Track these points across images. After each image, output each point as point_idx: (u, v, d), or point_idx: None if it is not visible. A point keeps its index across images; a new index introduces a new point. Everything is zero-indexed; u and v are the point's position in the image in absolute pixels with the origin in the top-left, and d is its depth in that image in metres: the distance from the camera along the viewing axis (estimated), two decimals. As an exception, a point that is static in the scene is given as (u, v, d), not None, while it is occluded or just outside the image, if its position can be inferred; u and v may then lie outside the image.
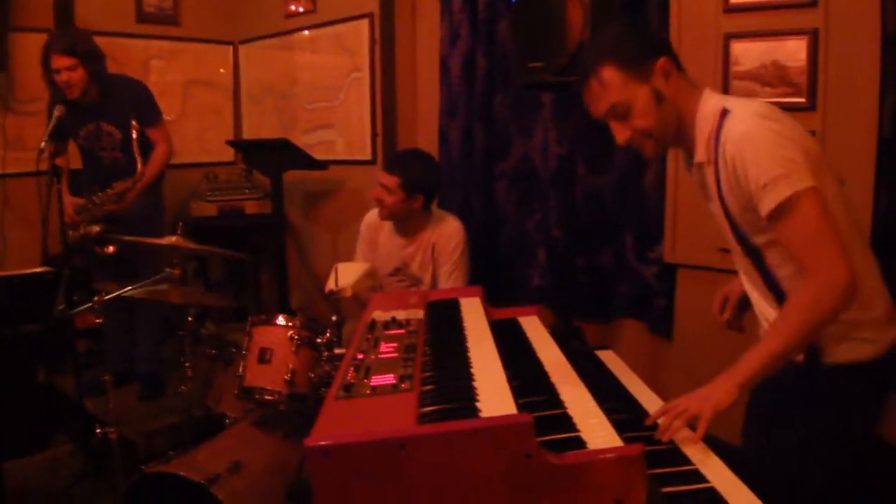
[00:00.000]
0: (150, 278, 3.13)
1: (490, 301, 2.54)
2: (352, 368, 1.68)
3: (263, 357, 2.92)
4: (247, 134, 5.63)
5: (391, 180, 3.41)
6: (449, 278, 3.52)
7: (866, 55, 2.76)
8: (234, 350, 3.16)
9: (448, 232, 3.55)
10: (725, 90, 3.18)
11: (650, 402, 2.07)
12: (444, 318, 2.15)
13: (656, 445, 1.77)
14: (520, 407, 1.56)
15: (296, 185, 5.06)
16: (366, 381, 1.58)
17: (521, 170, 4.03)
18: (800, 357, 1.85)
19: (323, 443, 1.28)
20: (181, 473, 2.52)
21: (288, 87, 5.29)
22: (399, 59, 4.68)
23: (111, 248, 4.12)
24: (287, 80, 5.28)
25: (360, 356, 1.77)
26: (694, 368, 3.37)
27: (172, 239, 3.13)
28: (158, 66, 5.41)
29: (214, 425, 3.12)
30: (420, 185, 3.44)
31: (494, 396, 1.48)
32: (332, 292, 2.60)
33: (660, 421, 1.68)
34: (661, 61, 1.81)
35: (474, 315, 2.18)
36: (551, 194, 3.86)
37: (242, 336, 3.04)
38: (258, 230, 5.15)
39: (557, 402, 1.61)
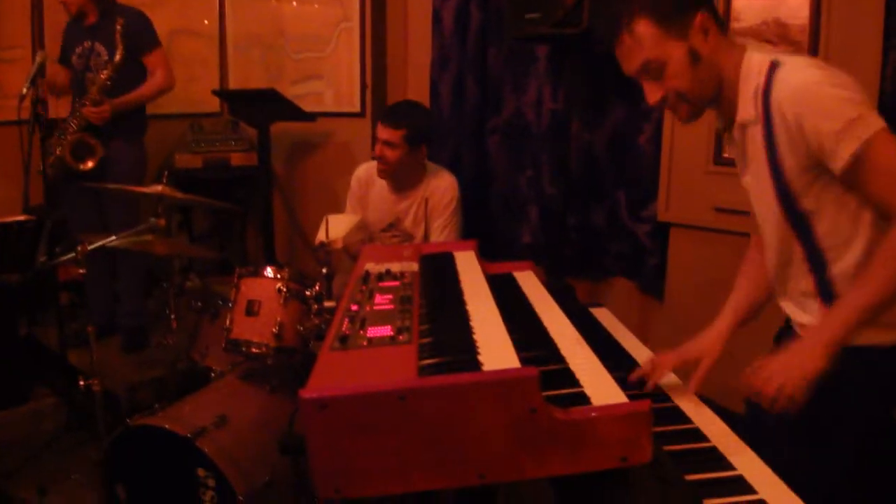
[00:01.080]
0: (131, 229, 3.06)
1: (481, 258, 2.50)
2: (347, 319, 1.63)
3: (251, 309, 2.87)
4: (233, 85, 5.50)
5: (395, 134, 3.33)
6: (441, 233, 3.46)
7: (869, 13, 2.71)
8: (220, 302, 3.10)
9: (443, 186, 3.49)
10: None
11: (645, 358, 2.05)
12: (440, 272, 2.10)
13: (659, 403, 1.75)
14: (522, 361, 1.52)
15: (283, 136, 4.97)
16: (362, 332, 1.53)
17: (514, 125, 3.96)
18: None
19: (319, 395, 1.23)
20: (167, 426, 2.49)
21: (275, 38, 5.17)
22: (390, 9, 4.59)
23: (90, 163, 4.04)
24: (274, 29, 5.16)
25: (354, 307, 1.72)
26: (684, 329, 3.32)
27: (158, 188, 3.06)
28: (143, 11, 5.28)
29: (199, 379, 3.09)
30: (424, 134, 3.38)
31: (496, 350, 1.44)
32: (322, 244, 2.54)
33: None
34: (700, 17, 1.67)
35: (470, 268, 2.14)
36: (544, 150, 3.80)
37: (229, 288, 2.98)
38: (244, 182, 5.07)
39: (559, 357, 1.57)
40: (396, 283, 1.91)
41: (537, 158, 3.85)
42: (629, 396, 1.47)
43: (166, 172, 3.16)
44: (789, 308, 1.89)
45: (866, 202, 1.64)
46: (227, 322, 2.89)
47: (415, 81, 4.46)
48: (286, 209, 5.22)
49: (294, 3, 5.04)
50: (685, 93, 1.71)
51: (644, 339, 3.62)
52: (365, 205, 3.63)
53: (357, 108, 4.69)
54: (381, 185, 3.57)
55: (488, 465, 1.24)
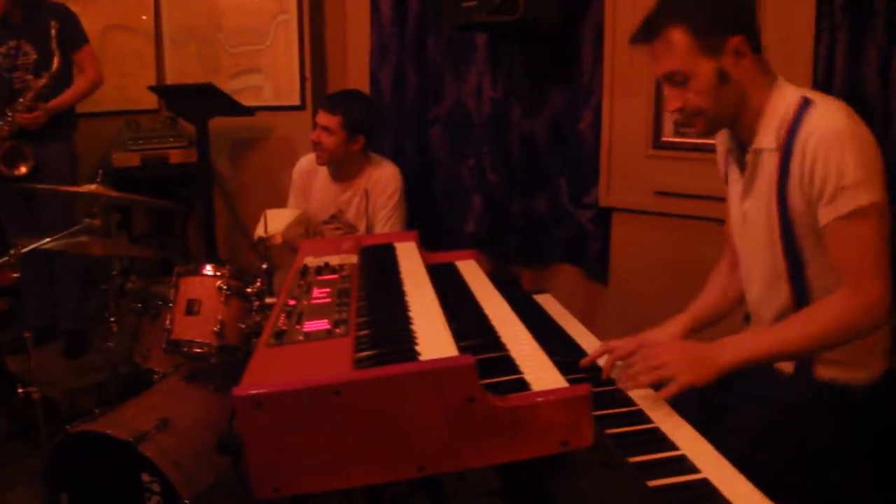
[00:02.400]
0: (65, 231, 2.98)
1: (425, 248, 2.48)
2: (283, 315, 1.60)
3: (191, 309, 2.81)
4: (170, 80, 5.38)
5: (332, 120, 3.30)
6: (385, 225, 3.44)
7: (801, 3, 2.74)
8: (160, 303, 3.04)
9: (385, 177, 3.47)
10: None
11: (589, 343, 2.06)
12: (379, 263, 2.08)
13: (601, 387, 1.75)
14: (461, 349, 1.50)
15: (223, 132, 4.88)
16: (298, 327, 1.51)
17: (455, 114, 3.94)
18: (788, 369, 1.81)
19: (254, 392, 1.21)
20: (108, 432, 2.43)
21: (212, 32, 5.06)
22: (327, 0, 4.53)
23: (24, 169, 3.93)
24: (211, 23, 5.06)
25: (291, 302, 1.69)
26: (629, 312, 3.38)
27: (92, 187, 2.98)
28: (74, 11, 5.13)
29: (142, 382, 3.03)
30: (362, 124, 3.35)
31: (434, 340, 1.42)
32: (260, 239, 2.50)
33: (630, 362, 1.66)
34: (736, 39, 1.68)
35: (410, 259, 2.11)
36: (486, 139, 3.79)
37: (169, 288, 2.92)
38: (184, 180, 4.97)
39: (499, 345, 1.56)
40: (335, 277, 1.88)
41: (479, 147, 3.83)
42: (572, 381, 1.48)
43: (100, 171, 3.07)
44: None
45: None
46: (168, 322, 2.83)
47: (355, 72, 4.41)
48: (228, 206, 5.13)
49: (230, -3, 4.95)
50: (704, 110, 1.73)
51: (590, 323, 3.62)
52: (307, 196, 3.60)
53: (297, 101, 4.63)
54: (323, 177, 3.53)
55: (428, 457, 1.22)
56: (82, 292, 4.36)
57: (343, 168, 3.46)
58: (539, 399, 1.23)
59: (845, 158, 1.60)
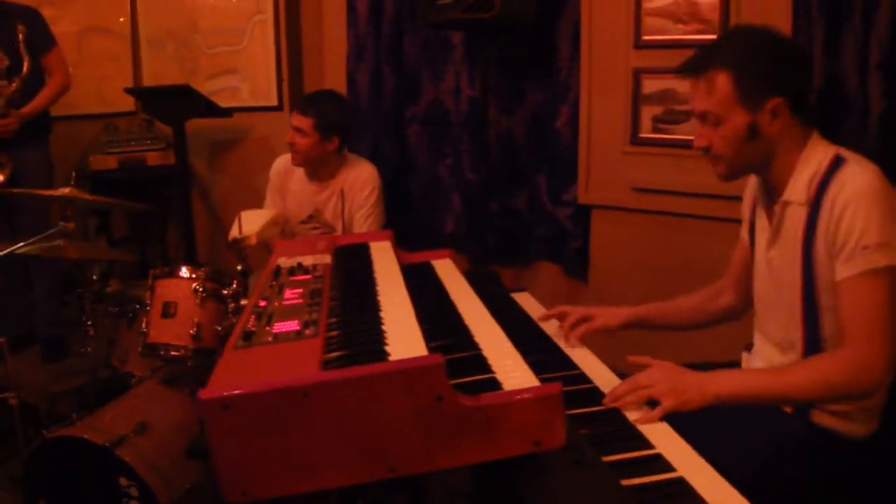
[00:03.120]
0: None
1: (404, 248, 2.46)
2: (253, 316, 1.58)
3: (167, 311, 2.79)
4: (148, 82, 5.34)
5: (305, 122, 3.29)
6: (363, 224, 3.42)
7: (777, 0, 2.75)
8: (137, 306, 3.01)
9: (363, 177, 3.45)
10: (637, 28, 3.14)
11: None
12: (353, 263, 2.06)
13: (574, 385, 1.74)
14: (431, 349, 1.49)
15: (200, 134, 4.84)
16: (268, 328, 1.49)
17: (433, 113, 3.93)
18: (787, 407, 1.81)
19: (219, 395, 1.19)
20: (85, 437, 2.42)
21: (189, 33, 5.02)
22: (304, 0, 4.51)
23: (1, 177, 3.88)
24: (187, 24, 5.01)
25: (262, 303, 1.67)
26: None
27: (65, 190, 2.95)
28: (50, 14, 5.06)
29: (121, 386, 3.00)
30: (335, 125, 3.33)
31: (404, 340, 1.41)
32: (235, 241, 2.48)
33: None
34: (777, 101, 1.69)
35: (385, 259, 2.10)
36: (464, 137, 3.78)
37: (144, 291, 2.89)
38: (162, 182, 4.93)
39: (471, 344, 1.54)
40: (308, 277, 1.86)
41: (457, 146, 3.82)
42: (546, 380, 1.46)
43: (74, 174, 3.04)
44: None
45: None
46: (143, 326, 2.81)
47: (332, 72, 4.39)
48: (206, 207, 5.09)
49: (207, -3, 4.92)
50: (724, 157, 1.75)
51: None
52: (284, 196, 3.58)
53: (274, 101, 4.59)
54: (299, 176, 3.52)
55: (398, 458, 1.21)
56: (60, 297, 4.31)
57: (319, 168, 3.45)
58: (510, 398, 1.22)
59: (870, 218, 1.60)
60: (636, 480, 1.31)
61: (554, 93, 3.49)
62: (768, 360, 1.91)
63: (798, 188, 1.74)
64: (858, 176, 1.65)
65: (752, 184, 1.99)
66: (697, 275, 2.27)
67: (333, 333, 1.46)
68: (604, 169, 3.34)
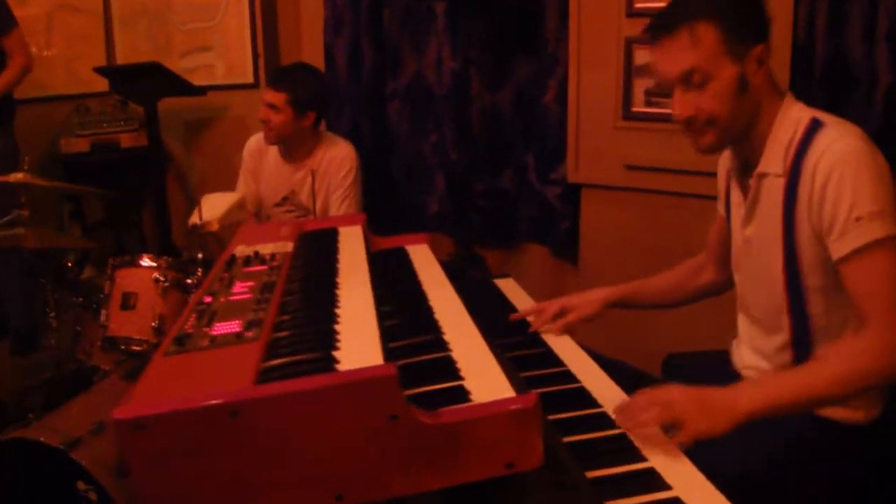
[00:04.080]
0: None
1: (385, 231, 2.28)
2: (194, 315, 1.40)
3: (127, 303, 2.63)
4: (121, 61, 5.14)
5: (278, 97, 3.10)
6: (341, 206, 3.25)
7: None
8: (101, 296, 2.84)
9: (339, 156, 3.27)
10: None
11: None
12: (317, 251, 1.87)
13: (557, 385, 1.57)
14: (394, 351, 1.31)
15: (175, 114, 4.65)
16: (206, 329, 1.30)
17: (415, 88, 3.73)
18: None
19: (134, 414, 1.01)
20: (40, 439, 2.25)
21: (162, 8, 4.82)
22: (279, -29, 4.32)
23: None
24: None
25: (207, 300, 1.48)
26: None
27: (19, 176, 2.76)
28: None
29: (87, 380, 2.84)
30: (310, 100, 3.15)
31: (359, 343, 1.22)
32: (194, 227, 2.30)
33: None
34: (761, 47, 1.53)
35: (352, 246, 1.91)
36: (447, 113, 3.59)
37: (103, 281, 2.72)
38: (136, 164, 4.73)
39: (440, 344, 1.36)
40: (263, 268, 1.68)
41: (441, 122, 3.63)
42: (523, 381, 1.29)
43: (26, 158, 2.84)
44: (749, 356, 1.77)
45: None
46: (103, 318, 2.64)
47: (310, 47, 4.19)
48: (183, 190, 4.91)
49: (179, -30, 4.70)
50: (719, 118, 1.55)
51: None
52: (258, 177, 3.40)
53: (250, 79, 4.40)
54: (274, 156, 3.33)
55: (346, 485, 1.03)
56: (29, 287, 4.13)
57: (294, 147, 3.26)
58: (476, 413, 1.04)
59: (860, 186, 1.44)
60: (624, 501, 1.15)
61: (541, 66, 3.30)
62: (753, 343, 1.75)
63: (774, 157, 1.57)
64: (839, 140, 1.48)
65: (724, 155, 1.81)
66: (691, 256, 2.11)
67: (280, 335, 1.28)
68: (594, 146, 3.15)
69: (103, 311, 2.66)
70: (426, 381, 1.20)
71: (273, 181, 3.35)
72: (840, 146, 1.47)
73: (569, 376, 1.61)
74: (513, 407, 1.05)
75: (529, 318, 1.91)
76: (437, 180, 3.68)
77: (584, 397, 1.51)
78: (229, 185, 3.56)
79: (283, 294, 1.49)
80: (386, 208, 3.79)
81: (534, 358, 1.71)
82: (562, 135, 3.23)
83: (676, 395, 1.35)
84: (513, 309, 2.09)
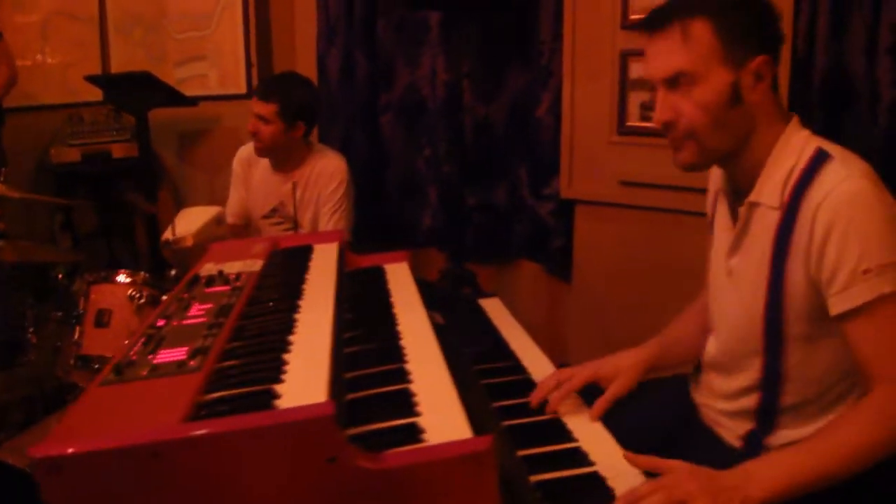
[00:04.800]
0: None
1: (376, 246, 2.19)
2: (142, 340, 1.31)
3: (101, 320, 2.55)
4: (116, 69, 5.09)
5: (268, 108, 3.01)
6: (330, 220, 3.15)
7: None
8: (76, 312, 2.76)
9: (330, 169, 3.18)
10: (624, 7, 2.86)
11: (532, 359, 1.81)
12: (284, 271, 1.78)
13: (530, 417, 1.49)
14: (351, 382, 1.23)
15: (169, 124, 4.60)
16: (150, 357, 1.22)
17: (408, 101, 3.66)
18: (737, 442, 1.53)
19: (52, 453, 0.93)
20: (7, 461, 2.21)
21: (157, 17, 4.77)
22: (273, -19, 4.26)
23: None
24: (155, 8, 4.76)
25: (160, 323, 1.40)
26: (595, 312, 3.11)
27: (-9, 188, 2.70)
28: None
29: (65, 397, 2.80)
30: (301, 110, 3.06)
31: (307, 374, 1.13)
32: (167, 242, 2.21)
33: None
34: (762, 58, 1.36)
35: (324, 265, 1.82)
36: (441, 126, 3.51)
37: (78, 297, 2.64)
38: (128, 174, 4.67)
39: (401, 375, 1.27)
40: (225, 289, 1.59)
41: (434, 136, 3.56)
42: (491, 413, 1.20)
43: (3, 170, 2.77)
44: (707, 392, 1.63)
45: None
46: (77, 335, 2.56)
47: (303, 58, 4.12)
48: (175, 200, 4.84)
49: (175, -22, 4.66)
50: (699, 130, 1.39)
51: (554, 324, 3.40)
52: (248, 188, 3.31)
53: (243, 89, 4.34)
54: (263, 167, 3.25)
55: (280, 534, 0.94)
56: (9, 300, 4.06)
57: (284, 158, 3.18)
58: (424, 457, 0.95)
59: (869, 236, 1.29)
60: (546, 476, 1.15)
61: (535, 78, 3.21)
62: (715, 379, 1.59)
63: (770, 188, 1.40)
64: (848, 180, 1.31)
65: (714, 176, 1.66)
66: (688, 276, 2.01)
67: (225, 365, 1.19)
68: (588, 161, 3.06)
69: (77, 328, 2.58)
70: (380, 417, 1.11)
71: (262, 192, 3.27)
72: (848, 187, 1.31)
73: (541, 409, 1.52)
74: (465, 451, 0.96)
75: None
76: (430, 194, 3.61)
77: (558, 431, 1.43)
78: (222, 196, 3.49)
79: (238, 318, 1.40)
80: (379, 222, 3.71)
81: (515, 385, 1.63)
82: (555, 149, 3.15)
83: (685, 482, 1.21)
84: (495, 331, 2.00)
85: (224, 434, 0.91)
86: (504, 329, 2.03)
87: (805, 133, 1.43)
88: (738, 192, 1.50)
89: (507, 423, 1.47)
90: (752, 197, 1.43)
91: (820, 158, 1.36)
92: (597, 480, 1.26)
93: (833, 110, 2.51)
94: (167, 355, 1.21)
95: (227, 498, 0.93)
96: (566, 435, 1.43)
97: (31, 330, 3.01)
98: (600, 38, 2.94)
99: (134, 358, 1.23)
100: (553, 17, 3.13)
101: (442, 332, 1.58)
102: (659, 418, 1.65)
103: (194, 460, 0.92)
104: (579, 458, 1.33)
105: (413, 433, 1.05)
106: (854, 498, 1.33)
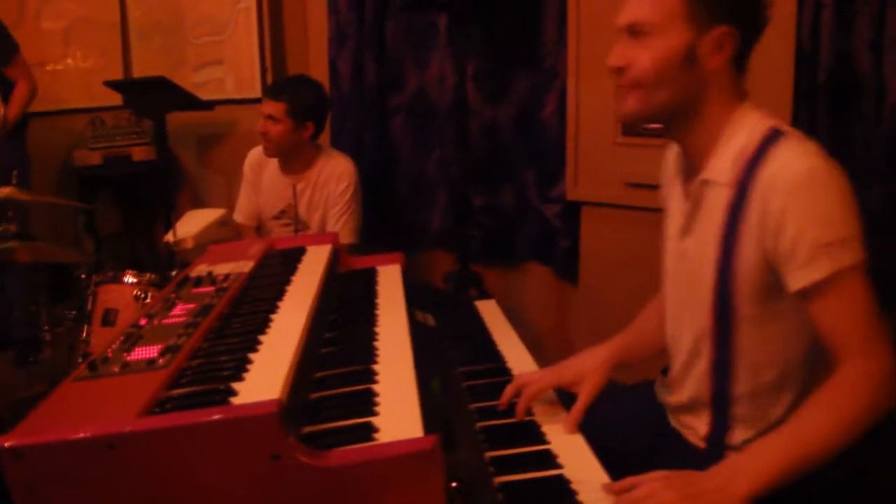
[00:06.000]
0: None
1: (386, 247, 2.21)
2: (121, 338, 1.35)
3: (108, 319, 2.61)
4: (137, 74, 5.17)
5: (277, 107, 3.07)
6: (338, 223, 3.20)
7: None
8: (89, 311, 2.83)
9: (338, 171, 3.23)
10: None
11: (517, 360, 1.82)
12: (272, 273, 1.82)
13: (508, 419, 1.51)
14: (320, 381, 1.26)
15: (188, 128, 4.66)
16: (125, 355, 1.26)
17: (418, 103, 3.69)
18: (700, 443, 1.53)
19: (14, 443, 0.97)
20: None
21: (175, 23, 4.84)
22: (286, -14, 4.31)
23: None
24: (174, 14, 4.84)
25: (142, 322, 1.44)
26: (601, 313, 3.11)
27: (6, 191, 2.76)
28: (36, 6, 4.94)
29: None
30: (309, 109, 3.11)
31: (267, 374, 1.16)
32: (167, 244, 2.26)
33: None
34: (726, 28, 1.36)
35: (312, 266, 1.85)
36: (448, 128, 3.53)
37: (87, 297, 2.71)
38: (149, 177, 4.75)
39: (367, 376, 1.29)
40: (210, 290, 1.63)
41: (444, 138, 3.58)
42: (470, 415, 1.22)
43: (15, 172, 2.84)
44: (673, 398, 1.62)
45: (803, 333, 1.38)
46: (85, 334, 2.62)
47: (316, 62, 4.16)
48: (194, 202, 4.90)
49: (192, -16, 4.72)
50: (646, 78, 1.38)
51: (561, 325, 3.41)
52: (258, 190, 3.37)
53: (258, 93, 4.37)
54: (273, 169, 3.31)
55: (228, 527, 0.97)
56: (34, 298, 4.15)
57: (293, 160, 3.23)
58: (368, 455, 0.98)
59: (825, 212, 1.29)
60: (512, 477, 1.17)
61: (540, 80, 3.23)
62: (675, 370, 1.59)
63: (722, 164, 1.40)
64: (801, 157, 1.32)
65: (669, 155, 1.65)
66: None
67: (194, 363, 1.23)
68: (594, 162, 3.06)
69: (85, 327, 2.64)
70: (339, 416, 1.14)
71: (271, 194, 3.32)
72: (802, 164, 1.31)
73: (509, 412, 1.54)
74: (409, 450, 0.98)
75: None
76: (439, 196, 3.63)
77: (531, 433, 1.45)
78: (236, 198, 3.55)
79: (216, 319, 1.43)
80: (388, 224, 3.74)
81: (499, 386, 1.62)
82: (561, 150, 3.15)
83: (659, 490, 1.19)
84: (487, 333, 2.03)
85: (172, 429, 0.94)
86: (495, 331, 2.04)
87: (758, 113, 1.42)
88: (691, 170, 1.49)
89: (483, 424, 1.49)
90: (704, 174, 1.43)
91: (772, 137, 1.36)
92: (561, 483, 1.27)
93: (838, 106, 2.48)
94: (140, 353, 1.25)
95: (177, 490, 0.97)
96: (539, 437, 1.44)
97: (46, 329, 3.07)
98: (605, 38, 2.92)
99: (110, 355, 1.27)
100: (557, 18, 3.14)
101: (426, 334, 1.61)
102: (631, 425, 1.65)
103: (145, 454, 0.95)
104: (548, 460, 1.34)
105: (366, 432, 1.08)
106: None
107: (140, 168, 4.71)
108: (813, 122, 2.48)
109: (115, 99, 4.87)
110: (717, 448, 1.47)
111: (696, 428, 1.53)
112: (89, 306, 2.67)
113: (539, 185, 3.31)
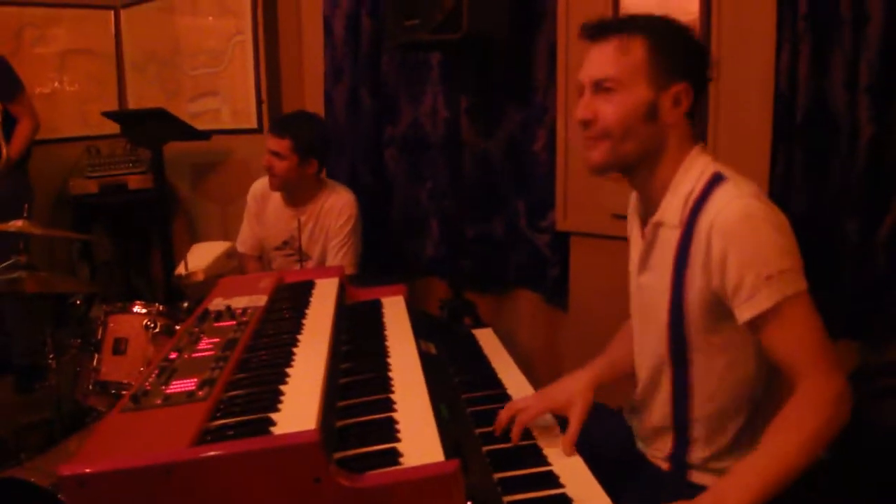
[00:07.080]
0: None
1: (381, 276, 2.32)
2: (156, 372, 1.46)
3: (118, 348, 2.71)
4: (132, 104, 5.29)
5: (282, 144, 3.17)
6: (337, 255, 3.31)
7: (761, 6, 2.60)
8: (94, 340, 2.91)
9: (339, 204, 3.34)
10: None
11: (518, 387, 1.93)
12: (286, 306, 1.93)
13: (503, 444, 1.62)
14: (341, 411, 1.37)
15: (182, 157, 4.77)
16: (163, 387, 1.37)
17: (412, 136, 3.81)
18: (663, 464, 1.66)
19: (78, 471, 1.07)
20: (31, 480, 2.30)
21: (171, 54, 4.96)
22: (282, 20, 4.42)
23: None
24: (170, 45, 4.95)
25: (173, 356, 1.55)
26: (591, 339, 3.21)
27: (18, 223, 2.85)
28: (33, 34, 5.03)
29: (84, 420, 2.91)
30: (313, 146, 3.22)
31: (300, 404, 1.28)
32: (179, 276, 2.37)
33: None
34: (682, 86, 1.52)
35: (323, 300, 1.96)
36: (442, 160, 3.66)
37: (97, 326, 2.80)
38: (144, 206, 4.85)
39: (385, 405, 1.41)
40: (232, 324, 1.74)
41: (436, 170, 3.71)
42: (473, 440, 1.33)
43: (26, 206, 2.93)
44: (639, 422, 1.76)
45: (751, 360, 1.53)
46: (95, 362, 2.71)
47: (311, 94, 4.29)
48: (189, 231, 5.01)
49: (188, 17, 4.83)
50: (613, 131, 1.52)
51: (552, 352, 3.52)
52: (262, 221, 3.48)
53: (254, 124, 4.51)
54: (276, 201, 3.41)
55: (275, 544, 1.08)
56: (36, 325, 4.22)
57: (297, 193, 3.34)
58: (397, 478, 1.09)
59: (762, 248, 1.42)
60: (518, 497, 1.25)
61: (531, 115, 3.36)
62: (641, 397, 1.72)
63: (672, 207, 1.55)
64: (737, 199, 1.45)
65: (632, 199, 1.79)
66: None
67: (230, 395, 1.34)
68: (582, 195, 3.19)
69: (96, 356, 2.74)
70: (365, 442, 1.26)
71: (275, 226, 3.42)
72: (738, 205, 1.44)
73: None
74: (435, 472, 1.10)
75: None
76: (432, 225, 3.75)
77: (533, 456, 1.56)
78: (233, 228, 3.64)
79: (243, 351, 1.55)
80: (383, 252, 3.85)
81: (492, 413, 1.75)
82: (551, 182, 3.28)
83: None
84: (486, 361, 2.14)
85: (226, 456, 1.05)
86: (494, 359, 2.17)
87: (707, 158, 1.57)
88: (647, 212, 1.64)
89: (487, 448, 1.60)
90: (657, 217, 1.58)
91: (715, 181, 1.51)
92: (564, 502, 1.39)
93: (815, 144, 2.59)
94: (179, 386, 1.36)
95: (229, 512, 1.08)
96: (541, 459, 1.56)
97: (51, 356, 3.14)
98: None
99: (149, 388, 1.37)
100: (547, 55, 3.27)
101: (432, 363, 1.72)
102: (599, 448, 1.72)
103: (201, 479, 1.06)
104: (551, 480, 1.46)
105: (393, 457, 1.20)
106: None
107: (136, 197, 4.82)
108: (790, 161, 2.60)
109: (111, 127, 4.96)
110: (679, 468, 1.61)
111: (660, 449, 1.66)
112: (99, 335, 2.76)
113: (529, 216, 3.43)
